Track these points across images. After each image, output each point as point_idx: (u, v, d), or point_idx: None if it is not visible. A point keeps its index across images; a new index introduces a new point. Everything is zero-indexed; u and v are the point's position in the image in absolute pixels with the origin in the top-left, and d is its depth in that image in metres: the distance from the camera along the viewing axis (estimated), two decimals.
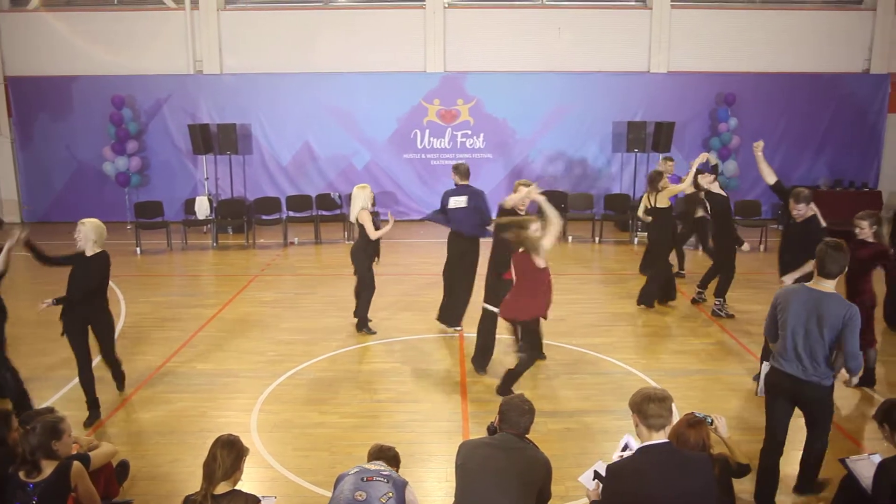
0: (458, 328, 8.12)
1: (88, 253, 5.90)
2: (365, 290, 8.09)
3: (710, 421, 4.00)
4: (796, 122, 15.29)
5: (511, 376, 6.34)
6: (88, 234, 5.88)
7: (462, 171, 7.92)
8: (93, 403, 5.97)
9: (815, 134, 15.39)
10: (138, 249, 12.42)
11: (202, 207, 13.57)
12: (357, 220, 7.87)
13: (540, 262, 5.99)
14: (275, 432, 5.80)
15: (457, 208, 7.80)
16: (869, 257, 6.39)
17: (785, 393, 4.45)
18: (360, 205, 7.82)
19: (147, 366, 7.19)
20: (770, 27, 15.11)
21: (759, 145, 7.13)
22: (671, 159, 10.72)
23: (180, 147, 14.92)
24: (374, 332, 8.10)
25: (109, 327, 6.14)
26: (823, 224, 7.00)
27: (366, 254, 7.96)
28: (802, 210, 6.77)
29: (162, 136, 15.01)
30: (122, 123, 14.45)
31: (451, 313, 8.10)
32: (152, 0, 14.77)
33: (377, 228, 7.88)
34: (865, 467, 4.00)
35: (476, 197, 7.81)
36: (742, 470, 4.10)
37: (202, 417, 6.06)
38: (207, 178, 14.63)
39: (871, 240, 6.44)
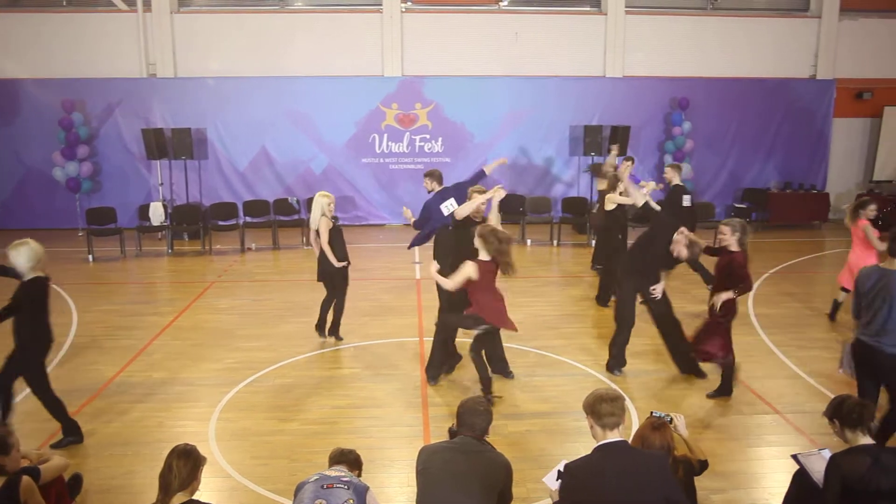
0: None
1: (25, 277, 5.28)
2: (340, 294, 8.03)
3: (669, 419, 4.10)
4: (747, 125, 15.67)
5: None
6: (17, 262, 5.23)
7: (438, 176, 7.89)
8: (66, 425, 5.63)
9: (766, 137, 15.79)
10: (90, 257, 12.12)
11: (157, 213, 13.32)
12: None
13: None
14: (233, 441, 5.71)
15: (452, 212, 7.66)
16: (724, 265, 6.21)
17: (868, 366, 5.00)
18: (319, 212, 7.67)
19: (100, 376, 7.02)
20: (721, 33, 15.46)
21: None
22: (631, 159, 10.76)
23: (133, 152, 14.63)
24: (342, 339, 8.04)
25: (26, 362, 5.39)
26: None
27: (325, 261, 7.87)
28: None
29: (114, 141, 14.69)
30: (73, 128, 14.12)
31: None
32: (103, 2, 14.45)
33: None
34: (816, 462, 4.10)
35: (460, 193, 7.71)
36: (702, 467, 4.19)
37: (158, 428, 5.94)
38: (162, 184, 14.37)
39: (734, 248, 6.14)
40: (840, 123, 16.03)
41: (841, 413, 3.91)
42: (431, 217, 7.74)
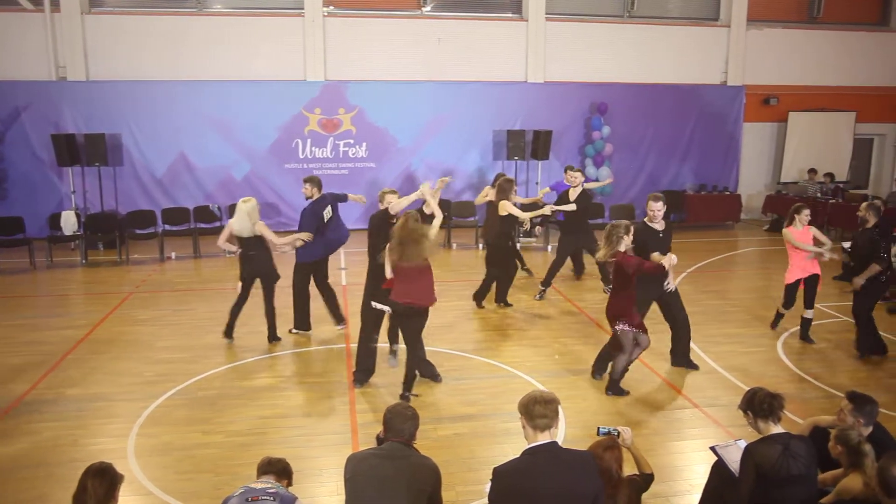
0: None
1: None
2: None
3: (616, 433, 4.08)
4: (663, 130, 16.21)
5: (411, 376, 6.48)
6: None
7: (318, 182, 8.13)
8: None
9: (681, 141, 16.37)
10: None
11: (69, 223, 12.77)
12: (256, 233, 7.77)
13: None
14: (154, 456, 5.52)
15: (330, 218, 8.08)
16: (616, 267, 6.38)
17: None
18: (256, 217, 7.76)
19: (8, 395, 6.65)
20: (638, 40, 15.96)
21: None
22: (576, 169, 10.43)
23: (43, 158, 13.95)
24: (280, 339, 8.12)
25: None
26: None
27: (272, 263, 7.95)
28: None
29: (21, 147, 13.98)
30: None
31: None
32: (7, 0, 13.77)
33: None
34: (733, 452, 4.26)
35: (336, 202, 8.23)
36: (648, 480, 4.17)
37: (72, 447, 5.68)
38: (74, 192, 13.77)
39: (621, 248, 6.26)
40: (749, 128, 16.78)
41: (753, 405, 4.10)
42: (303, 223, 7.98)
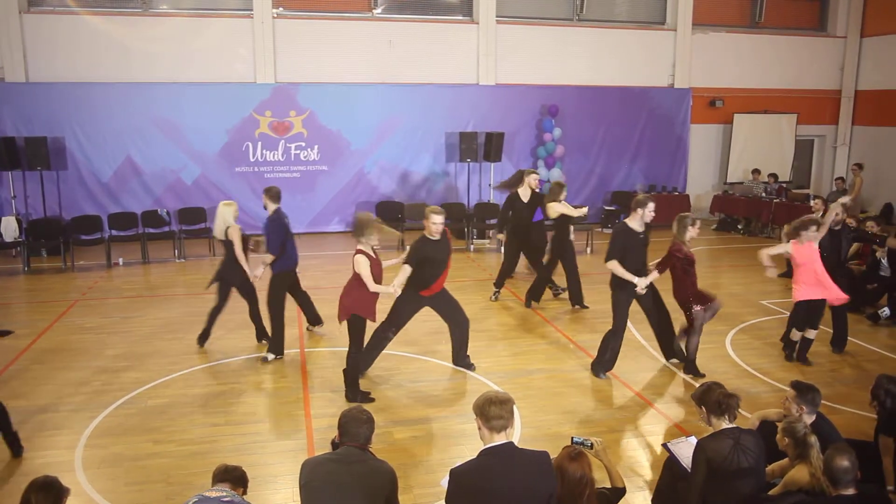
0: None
1: None
2: (255, 304, 8.04)
3: (590, 444, 3.89)
4: (613, 131, 16.46)
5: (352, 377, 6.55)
6: None
7: (274, 193, 7.83)
8: None
9: (630, 143, 16.64)
10: None
11: (9, 229, 12.36)
12: (226, 236, 7.66)
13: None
14: (103, 468, 5.38)
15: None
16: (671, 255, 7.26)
17: None
18: (230, 220, 7.67)
19: None
20: (587, 43, 16.16)
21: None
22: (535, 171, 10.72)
23: None
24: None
25: None
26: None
27: (238, 269, 7.76)
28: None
29: None
30: None
31: None
32: None
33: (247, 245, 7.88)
34: (685, 448, 4.36)
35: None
36: (618, 495, 3.97)
37: (15, 461, 5.50)
38: (15, 197, 13.32)
39: None
40: (697, 129, 17.15)
41: (708, 401, 4.19)
42: (271, 238, 7.65)
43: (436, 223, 6.85)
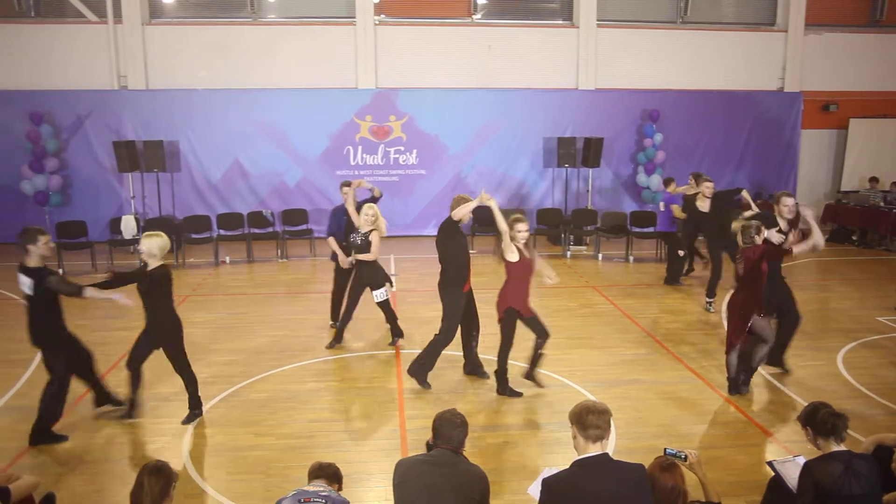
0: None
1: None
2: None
3: (683, 456, 3.79)
4: (717, 137, 15.91)
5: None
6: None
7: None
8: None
9: (735, 149, 16.04)
10: (60, 270, 11.91)
11: (128, 227, 13.15)
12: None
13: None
14: (208, 457, 5.63)
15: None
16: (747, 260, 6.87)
17: None
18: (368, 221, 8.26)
19: (72, 391, 6.86)
20: (691, 46, 15.70)
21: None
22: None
23: (104, 165, 14.45)
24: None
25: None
26: None
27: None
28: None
29: (84, 154, 14.50)
30: (41, 140, 13.91)
31: None
32: (72, 13, 14.31)
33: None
34: (791, 468, 4.15)
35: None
36: None
37: (130, 444, 5.85)
38: (134, 197, 14.20)
39: None
40: (808, 135, 16.34)
41: (815, 422, 3.97)
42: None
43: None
